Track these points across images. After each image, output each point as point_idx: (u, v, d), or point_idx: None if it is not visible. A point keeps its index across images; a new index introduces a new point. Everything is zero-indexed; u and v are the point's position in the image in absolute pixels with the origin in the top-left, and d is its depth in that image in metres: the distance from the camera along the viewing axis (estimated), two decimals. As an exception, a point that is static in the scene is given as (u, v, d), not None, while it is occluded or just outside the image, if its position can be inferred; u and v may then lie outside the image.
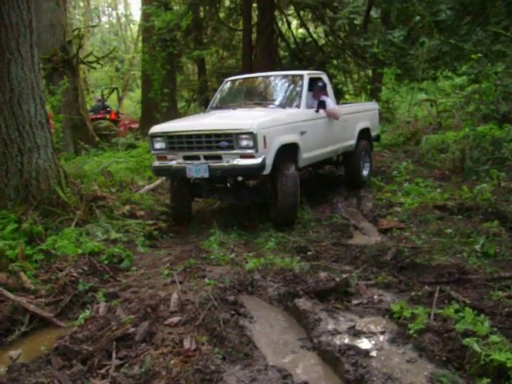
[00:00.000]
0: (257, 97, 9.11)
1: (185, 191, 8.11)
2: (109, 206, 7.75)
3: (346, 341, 3.96)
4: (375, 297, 4.81)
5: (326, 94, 9.07)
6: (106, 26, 47.53)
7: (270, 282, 5.16)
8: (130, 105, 28.40)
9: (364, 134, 10.37)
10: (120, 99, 23.07)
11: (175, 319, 4.33)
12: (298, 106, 8.32)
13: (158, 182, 10.09)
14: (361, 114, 10.45)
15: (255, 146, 6.90)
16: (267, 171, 7.10)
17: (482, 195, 7.90)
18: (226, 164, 7.07)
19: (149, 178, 10.75)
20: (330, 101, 8.95)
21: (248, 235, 7.19)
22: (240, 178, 7.46)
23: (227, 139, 7.04)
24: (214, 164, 7.14)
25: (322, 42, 20.80)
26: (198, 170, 7.24)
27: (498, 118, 14.14)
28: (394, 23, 18.22)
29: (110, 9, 49.22)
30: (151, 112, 18.27)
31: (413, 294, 4.77)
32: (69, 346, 4.11)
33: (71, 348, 4.08)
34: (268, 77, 9.50)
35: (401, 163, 11.03)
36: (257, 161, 6.94)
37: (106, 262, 6.02)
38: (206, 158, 7.26)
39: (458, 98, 17.26)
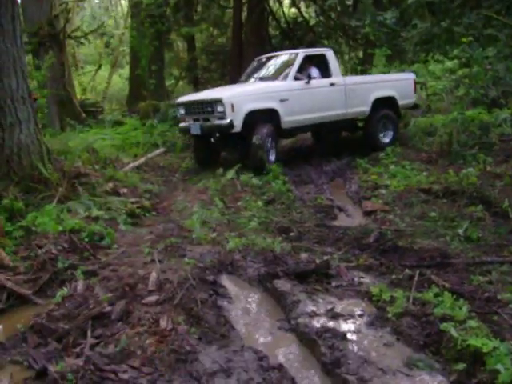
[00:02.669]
0: (264, 72, 11.15)
1: (203, 146, 10.47)
2: (92, 183, 7.66)
3: (324, 323, 3.92)
4: (355, 279, 4.77)
5: (313, 67, 10.83)
6: (96, 0, 46.87)
7: (250, 263, 5.11)
8: (119, 81, 28.05)
9: (384, 102, 11.49)
10: None
11: (153, 298, 4.28)
12: (285, 79, 10.26)
13: (142, 159, 10.02)
14: (378, 84, 11.75)
15: (224, 111, 9.24)
16: (237, 129, 9.33)
17: (467, 179, 7.88)
18: (209, 123, 9.57)
19: (134, 155, 10.67)
20: (313, 73, 10.72)
21: (231, 214, 7.12)
22: (217, 134, 9.64)
23: (211, 105, 9.51)
24: (204, 123, 9.65)
25: (313, 21, 20.61)
26: (195, 128, 9.77)
27: (486, 103, 14.11)
28: (386, 5, 18.10)
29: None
30: (139, 89, 18.08)
31: (393, 277, 4.74)
32: (45, 324, 4.07)
33: (47, 326, 4.04)
34: (277, 56, 11.50)
35: (380, 148, 10.97)
36: (225, 121, 9.26)
37: (86, 239, 5.92)
38: (203, 119, 9.71)
39: (448, 81, 17.19)
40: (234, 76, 17.30)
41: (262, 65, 11.48)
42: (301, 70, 10.55)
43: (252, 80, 11.07)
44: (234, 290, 4.67)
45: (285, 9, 21.57)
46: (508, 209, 6.54)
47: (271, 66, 11.21)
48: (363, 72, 18.75)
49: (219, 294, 4.49)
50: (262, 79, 10.88)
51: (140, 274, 4.79)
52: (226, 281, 4.80)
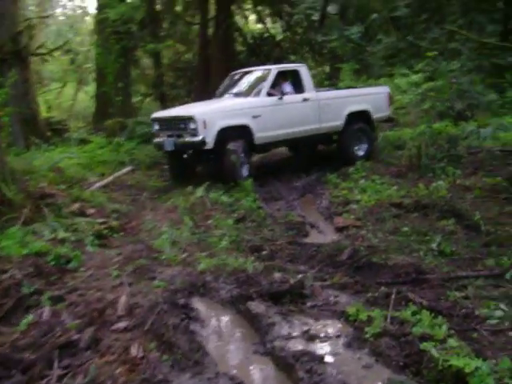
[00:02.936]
0: (237, 88, 11.18)
1: (177, 162, 10.46)
2: (58, 203, 7.46)
3: (301, 346, 3.81)
4: (331, 298, 4.67)
5: (287, 83, 10.94)
6: (62, 17, 46.39)
7: (222, 284, 4.97)
8: (85, 99, 27.74)
9: (358, 116, 11.57)
10: None
11: (122, 324, 4.12)
12: (258, 95, 10.33)
13: (109, 178, 9.82)
14: (352, 98, 11.80)
15: (197, 128, 9.30)
16: (209, 146, 9.38)
17: (437, 192, 7.90)
18: (182, 140, 9.58)
19: (101, 174, 10.46)
20: (287, 89, 10.78)
21: (201, 234, 6.97)
22: (190, 151, 9.69)
23: (184, 122, 9.57)
24: (177, 140, 9.66)
25: (279, 37, 20.68)
26: (169, 144, 9.76)
27: (453, 116, 14.26)
28: (352, 20, 18.26)
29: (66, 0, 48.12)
30: (105, 106, 17.86)
31: (369, 295, 4.65)
32: (9, 354, 3.87)
33: (11, 356, 3.84)
34: (251, 71, 11.54)
35: (354, 161, 10.95)
36: (198, 138, 9.31)
37: (52, 262, 5.71)
38: (177, 136, 9.72)
39: (414, 95, 17.35)
40: (200, 92, 17.23)
41: (236, 80, 11.55)
42: (274, 85, 10.60)
43: (226, 96, 11.11)
44: (207, 313, 4.53)
45: (251, 25, 21.61)
46: (480, 221, 6.54)
47: (245, 82, 11.29)
48: (331, 86, 18.87)
49: (191, 317, 4.35)
50: (235, 95, 10.90)
51: (109, 299, 4.62)
52: (198, 303, 4.66)
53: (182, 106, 11.61)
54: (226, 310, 4.63)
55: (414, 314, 4.03)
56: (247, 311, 4.43)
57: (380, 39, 20.32)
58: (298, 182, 10.38)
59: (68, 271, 5.69)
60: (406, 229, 6.64)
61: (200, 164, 10.86)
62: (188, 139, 9.50)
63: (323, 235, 7.14)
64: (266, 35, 20.28)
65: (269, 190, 9.73)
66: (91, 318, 4.28)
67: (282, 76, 10.87)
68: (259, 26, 22.33)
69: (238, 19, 20.22)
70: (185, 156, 9.84)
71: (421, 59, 18.25)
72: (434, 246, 5.99)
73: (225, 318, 4.49)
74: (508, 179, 8.35)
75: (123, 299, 4.51)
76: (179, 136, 9.70)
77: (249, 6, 20.45)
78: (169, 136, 9.90)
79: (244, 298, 4.64)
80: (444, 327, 3.69)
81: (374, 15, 18.83)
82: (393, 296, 4.41)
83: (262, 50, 19.36)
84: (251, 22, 22.10)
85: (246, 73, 11.57)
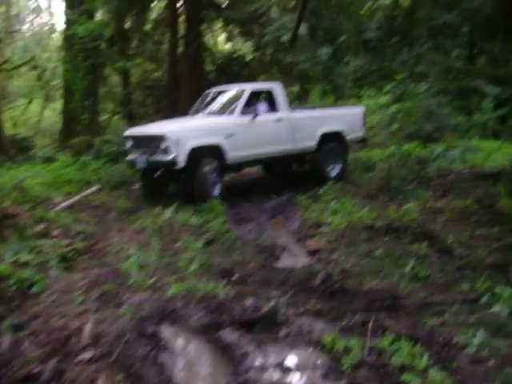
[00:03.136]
0: (212, 107, 11.10)
1: (150, 180, 10.39)
2: (21, 224, 7.19)
3: (276, 377, 3.66)
4: (305, 326, 4.49)
5: (261, 102, 11.05)
6: (29, 33, 45.85)
7: (192, 311, 4.74)
8: (52, 116, 27.31)
9: (332, 136, 11.55)
10: None
11: (87, 355, 3.90)
12: (232, 114, 10.28)
13: (75, 198, 9.53)
14: (326, 118, 11.84)
15: (168, 146, 9.21)
16: (180, 165, 9.26)
17: (409, 215, 7.86)
18: (153, 158, 9.47)
19: (67, 194, 10.18)
20: (260, 109, 10.75)
21: (170, 257, 6.75)
22: (161, 169, 9.69)
23: (156, 141, 9.43)
24: (149, 158, 9.55)
25: (249, 57, 20.68)
26: (141, 161, 9.67)
27: (421, 137, 14.36)
28: (321, 41, 18.37)
29: (33, 16, 47.53)
30: (72, 124, 17.56)
31: (345, 322, 4.50)
32: (-36, 388, 3.63)
33: (-34, 391, 3.60)
34: (226, 90, 11.46)
35: (327, 181, 10.87)
36: (169, 157, 9.21)
37: (14, 286, 5.45)
38: (149, 154, 9.58)
39: (382, 116, 17.47)
40: (169, 111, 17.08)
41: (210, 99, 11.46)
42: (249, 104, 10.56)
43: (200, 114, 11.02)
44: (177, 342, 4.31)
45: (221, 44, 21.60)
46: (453, 245, 6.51)
47: (219, 101, 11.23)
48: (309, 106, 18.89)
49: (160, 347, 4.13)
50: (209, 114, 10.85)
51: (73, 327, 4.39)
52: (167, 332, 4.43)
53: (154, 124, 11.46)
54: (196, 338, 4.40)
55: (392, 342, 3.91)
56: (219, 340, 4.23)
57: (348, 61, 20.52)
58: (268, 203, 10.23)
59: (31, 296, 5.42)
60: (378, 252, 6.56)
61: (172, 183, 10.72)
62: (160, 158, 9.40)
63: (295, 258, 6.99)
64: (235, 55, 20.26)
65: (238, 212, 9.57)
66: (54, 348, 4.05)
67: (256, 95, 10.94)
68: (229, 45, 22.36)
69: (208, 39, 20.17)
70: (156, 174, 9.82)
71: (389, 81, 18.47)
72: (407, 269, 5.93)
73: (195, 348, 4.27)
74: (478, 202, 8.37)
75: (88, 327, 4.29)
76: (151, 154, 9.58)
77: (219, 26, 20.44)
78: (141, 154, 9.79)
79: (215, 325, 4.45)
80: (425, 358, 3.58)
81: (343, 37, 19.00)
82: (370, 324, 4.28)
83: (231, 70, 19.32)
84: (221, 41, 22.07)
85: (221, 91, 11.54)
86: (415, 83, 16.35)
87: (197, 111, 11.30)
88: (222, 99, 11.22)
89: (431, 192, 9.26)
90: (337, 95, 20.59)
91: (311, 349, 4.08)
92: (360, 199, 9.47)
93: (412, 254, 6.40)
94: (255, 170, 13.05)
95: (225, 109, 10.68)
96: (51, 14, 46.23)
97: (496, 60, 17.66)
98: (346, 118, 12.12)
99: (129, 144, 10.30)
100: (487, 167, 10.86)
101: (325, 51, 18.60)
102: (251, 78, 18.05)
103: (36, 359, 3.85)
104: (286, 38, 16.98)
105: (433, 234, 7.02)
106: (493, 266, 5.85)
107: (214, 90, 11.81)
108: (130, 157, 10.20)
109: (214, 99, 11.38)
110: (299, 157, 11.66)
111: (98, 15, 19.66)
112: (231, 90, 11.33)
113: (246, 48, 22.08)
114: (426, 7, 12.79)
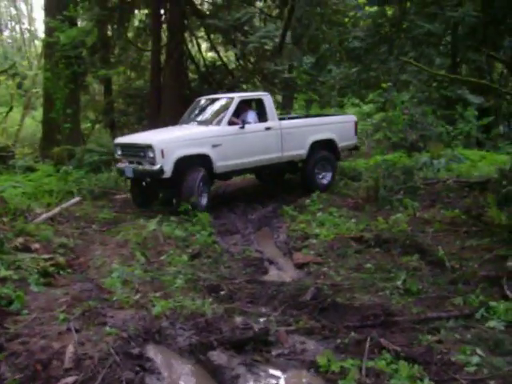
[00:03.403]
0: (201, 116, 11.15)
1: (139, 188, 10.37)
2: (-1, 238, 6.92)
3: (269, 402, 3.48)
4: (297, 345, 4.32)
5: (248, 111, 10.87)
6: (9, 40, 45.35)
7: (179, 330, 4.54)
8: (32, 124, 26.89)
9: (323, 144, 11.53)
10: None
11: (70, 380, 3.69)
12: (219, 124, 10.23)
13: (56, 209, 9.27)
14: (317, 126, 11.69)
15: (154, 156, 9.22)
16: (167, 175, 9.28)
17: (397, 226, 7.76)
18: (141, 167, 9.56)
19: (47, 204, 9.91)
20: (249, 117, 10.73)
21: (155, 271, 6.54)
22: (148, 179, 9.66)
23: (143, 150, 9.48)
24: (136, 167, 9.66)
25: (232, 65, 20.53)
26: (129, 170, 9.81)
27: (405, 147, 14.33)
28: (305, 50, 18.30)
29: (13, 23, 47.03)
30: (53, 133, 17.24)
31: (338, 341, 4.34)
32: None
33: None
34: (215, 99, 11.52)
35: (314, 191, 10.73)
36: (156, 167, 9.22)
37: (-8, 304, 5.24)
38: (137, 162, 9.69)
39: (366, 125, 17.45)
40: (152, 120, 16.86)
41: (200, 108, 11.50)
42: (238, 114, 10.61)
43: (189, 123, 11.00)
44: (164, 363, 4.11)
45: (203, 52, 21.43)
46: (444, 257, 6.38)
47: (208, 110, 11.25)
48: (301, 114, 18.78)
49: (147, 369, 3.93)
50: (198, 123, 10.85)
51: (54, 348, 4.18)
52: (153, 352, 4.23)
53: (143, 133, 11.52)
54: (184, 359, 4.21)
55: (389, 363, 3.75)
56: (208, 362, 4.03)
57: (330, 69, 20.48)
58: (253, 214, 10.07)
59: (9, 314, 5.17)
60: (368, 265, 6.45)
61: (160, 192, 10.58)
62: (146, 167, 9.46)
63: (283, 272, 6.83)
64: (218, 63, 20.09)
65: (223, 223, 9.39)
66: (34, 372, 3.84)
67: (245, 104, 10.92)
68: (211, 54, 22.19)
69: (191, 47, 19.98)
70: (143, 183, 9.89)
71: (373, 90, 18.45)
72: (399, 283, 5.80)
73: (183, 370, 4.07)
74: (466, 212, 8.28)
75: (70, 349, 4.09)
76: (139, 163, 9.67)
77: (202, 34, 20.26)
78: (130, 162, 9.90)
79: (204, 346, 4.24)
80: (426, 381, 3.42)
81: (326, 46, 18.97)
82: (367, 344, 4.11)
83: (214, 78, 19.11)
84: (204, 49, 21.91)
85: (211, 100, 11.55)
86: (398, 92, 16.38)
87: (187, 120, 11.30)
88: (212, 108, 11.25)
89: (418, 202, 9.14)
90: (320, 104, 20.56)
91: (305, 370, 3.91)
92: (347, 210, 9.36)
93: (403, 266, 6.31)
94: (239, 180, 12.88)
95: (213, 118, 10.66)
96: (32, 21, 45.75)
97: (479, 69, 17.77)
98: (337, 125, 12.08)
99: (118, 152, 10.33)
100: (473, 176, 10.83)
101: (308, 60, 18.56)
102: (234, 87, 17.88)
103: (15, 384, 3.64)
104: (269, 47, 16.86)
105: (423, 245, 6.91)
106: (486, 279, 5.72)
107: (205, 98, 11.84)
108: (120, 165, 10.26)
109: (204, 108, 11.42)
110: (290, 165, 11.55)
111: (80, 22, 19.41)
112: (221, 100, 11.33)
113: (228, 56, 21.95)
114: (410, 16, 12.75)
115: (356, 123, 12.47)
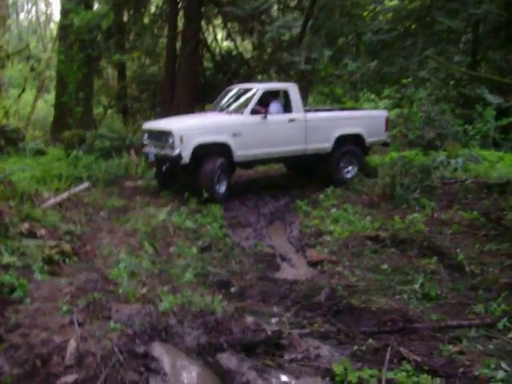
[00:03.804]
0: (227, 104, 11.22)
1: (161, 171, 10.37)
2: (4, 223, 6.72)
3: (281, 412, 3.26)
4: (311, 350, 4.09)
5: (275, 102, 10.90)
6: (25, 23, 45.19)
7: (187, 328, 4.29)
8: (44, 107, 26.73)
9: (349, 138, 11.47)
10: None
11: (70, 378, 3.48)
12: (242, 113, 10.36)
13: (65, 194, 9.07)
14: (344, 120, 11.65)
15: (173, 142, 9.48)
16: (185, 161, 9.50)
17: (414, 226, 7.51)
18: (162, 152, 9.83)
19: (56, 189, 9.72)
20: (273, 108, 10.77)
21: (163, 263, 6.33)
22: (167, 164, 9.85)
23: (164, 136, 9.79)
24: (157, 152, 10.00)
25: (248, 55, 20.25)
26: (151, 154, 10.19)
27: (422, 144, 14.03)
28: (323, 42, 18.00)
29: (30, 5, 46.87)
30: (64, 117, 17.08)
31: (355, 348, 4.11)
32: None
33: None
34: (244, 88, 11.43)
35: (328, 186, 10.49)
36: (174, 152, 9.44)
37: (-7, 292, 5.04)
38: (160, 147, 9.97)
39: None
40: (164, 107, 16.67)
41: (229, 96, 11.56)
42: (264, 104, 10.64)
43: (215, 111, 11.25)
44: (170, 363, 3.88)
45: (219, 41, 21.15)
46: (463, 261, 6.14)
47: (235, 99, 11.31)
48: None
49: (152, 369, 3.72)
50: (221, 111, 11.04)
51: (55, 342, 3.97)
52: (159, 351, 4.00)
53: (167, 119, 11.61)
54: (191, 360, 3.98)
55: (409, 375, 3.52)
56: (217, 365, 3.80)
57: (346, 63, 20.16)
58: (265, 207, 9.83)
59: (11, 303, 4.97)
60: (385, 266, 6.22)
61: (181, 176, 10.74)
62: (166, 152, 9.70)
63: (296, 270, 6.61)
64: (234, 53, 19.83)
65: (235, 215, 9.16)
66: (33, 368, 3.64)
67: (271, 95, 10.96)
68: (227, 43, 21.91)
69: (208, 35, 19.72)
70: (164, 168, 10.02)
71: (389, 85, 18.13)
72: (416, 287, 5.59)
73: (191, 372, 3.84)
74: (485, 215, 8.02)
75: (72, 344, 3.87)
76: (161, 148, 9.94)
77: (219, 22, 19.98)
78: (154, 147, 10.22)
79: (213, 347, 4.01)
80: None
81: (344, 39, 18.66)
82: (388, 354, 3.87)
83: (229, 68, 18.87)
84: (219, 39, 21.63)
85: (240, 90, 11.53)
86: (416, 88, 16.07)
87: (214, 108, 11.53)
88: (239, 97, 11.29)
89: (435, 202, 8.87)
90: (333, 98, 20.31)
91: (319, 378, 3.69)
92: (362, 207, 9.12)
93: (420, 269, 6.07)
94: (252, 171, 12.62)
95: (238, 107, 10.80)
96: (48, 4, 45.63)
97: (499, 68, 17.40)
98: (366, 120, 11.98)
99: (145, 137, 10.68)
100: (492, 178, 10.53)
101: (325, 53, 18.26)
102: (249, 77, 17.61)
103: (11, 382, 3.44)
104: (287, 37, 16.60)
105: (441, 248, 6.65)
106: (508, 286, 5.48)
107: (234, 87, 11.90)
108: (146, 149, 10.56)
109: (232, 97, 11.48)
110: (316, 157, 11.36)
111: (96, 6, 19.22)
112: (249, 89, 11.23)
113: (244, 46, 21.65)
114: (433, 11, 12.43)
115: (387, 119, 12.31)
